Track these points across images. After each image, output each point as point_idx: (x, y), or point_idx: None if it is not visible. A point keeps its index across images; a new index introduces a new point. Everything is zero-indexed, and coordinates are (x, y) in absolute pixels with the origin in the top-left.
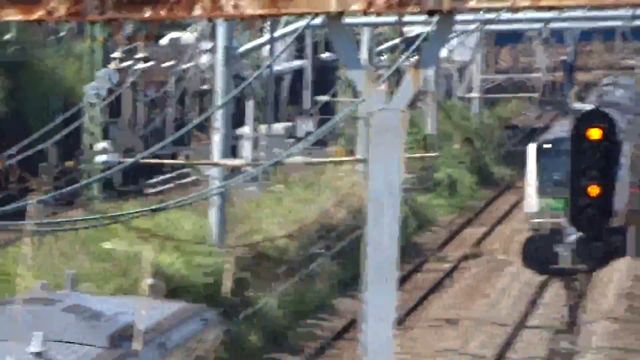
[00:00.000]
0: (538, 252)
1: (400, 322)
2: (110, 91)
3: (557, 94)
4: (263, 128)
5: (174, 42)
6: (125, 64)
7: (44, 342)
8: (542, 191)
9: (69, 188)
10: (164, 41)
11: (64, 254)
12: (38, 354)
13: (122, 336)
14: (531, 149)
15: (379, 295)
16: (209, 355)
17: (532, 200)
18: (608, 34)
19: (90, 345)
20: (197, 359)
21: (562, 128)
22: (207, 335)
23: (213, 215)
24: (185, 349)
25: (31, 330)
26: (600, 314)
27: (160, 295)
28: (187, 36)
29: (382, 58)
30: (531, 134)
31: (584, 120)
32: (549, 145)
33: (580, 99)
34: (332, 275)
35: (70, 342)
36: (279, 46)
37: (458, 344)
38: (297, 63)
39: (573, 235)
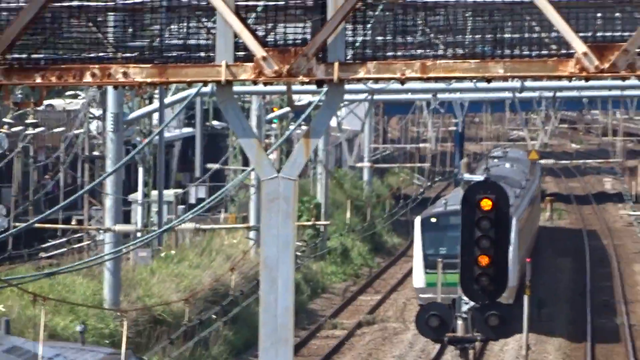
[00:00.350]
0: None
1: None
2: (0, 156)
3: (447, 164)
4: (154, 194)
5: (63, 108)
6: (15, 129)
7: None
8: (428, 265)
9: None
10: (57, 106)
11: None
12: None
13: None
14: (417, 222)
15: None
16: None
17: (419, 274)
18: (497, 106)
19: None
20: None
21: (452, 200)
22: None
23: (107, 279)
24: None
25: None
26: None
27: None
28: (75, 102)
29: (272, 126)
30: (422, 204)
31: (475, 191)
32: (434, 220)
33: (471, 170)
34: (227, 340)
35: None
36: (169, 113)
37: None
38: (187, 130)
39: (467, 305)
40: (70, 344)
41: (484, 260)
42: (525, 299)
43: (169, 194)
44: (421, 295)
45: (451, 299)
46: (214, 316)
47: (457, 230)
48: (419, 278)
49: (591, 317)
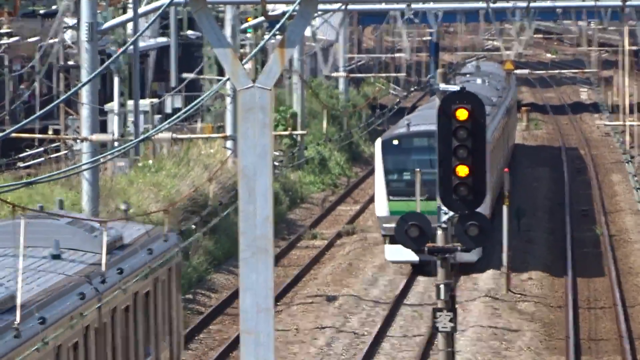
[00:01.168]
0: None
1: (278, 298)
2: None
3: (422, 75)
4: (130, 104)
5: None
6: None
7: (58, 248)
8: (391, 192)
9: None
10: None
11: None
12: (56, 256)
13: (114, 245)
14: (377, 145)
15: (256, 271)
16: (177, 267)
17: (381, 202)
18: (471, 16)
19: (91, 252)
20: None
21: (416, 120)
22: (172, 250)
23: (85, 189)
24: (162, 257)
25: (48, 238)
26: (477, 292)
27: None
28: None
29: (246, 36)
30: (399, 113)
31: (451, 101)
32: (397, 142)
33: (446, 80)
34: (207, 251)
35: (75, 249)
36: (144, 23)
37: (339, 321)
38: (161, 40)
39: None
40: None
41: (462, 170)
42: (505, 209)
43: (145, 103)
44: (385, 225)
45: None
46: (193, 226)
47: (422, 153)
48: (381, 206)
49: (571, 227)
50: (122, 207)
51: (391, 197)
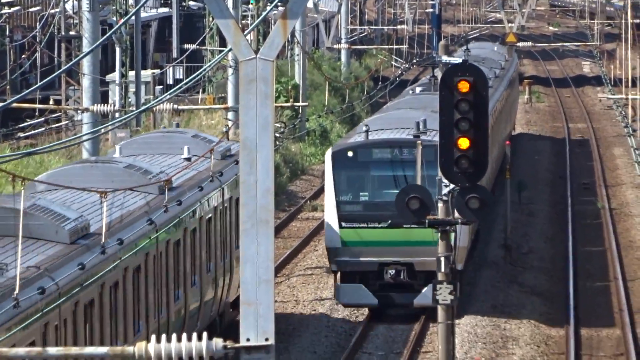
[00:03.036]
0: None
1: (278, 270)
2: None
3: (425, 47)
4: (131, 75)
5: None
6: None
7: (190, 153)
8: (345, 218)
9: None
10: None
11: None
12: (187, 159)
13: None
14: (327, 157)
15: (256, 242)
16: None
17: (332, 231)
18: None
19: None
20: None
21: (376, 124)
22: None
23: None
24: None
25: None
26: (478, 264)
27: None
28: None
29: (248, 7)
30: (401, 85)
31: (453, 73)
32: (351, 154)
33: (448, 52)
34: None
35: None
36: None
37: None
38: (163, 10)
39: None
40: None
41: (463, 142)
42: (508, 182)
43: (146, 74)
44: (336, 259)
45: (377, 263)
46: None
47: (383, 168)
48: (332, 235)
49: (572, 200)
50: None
51: (344, 224)
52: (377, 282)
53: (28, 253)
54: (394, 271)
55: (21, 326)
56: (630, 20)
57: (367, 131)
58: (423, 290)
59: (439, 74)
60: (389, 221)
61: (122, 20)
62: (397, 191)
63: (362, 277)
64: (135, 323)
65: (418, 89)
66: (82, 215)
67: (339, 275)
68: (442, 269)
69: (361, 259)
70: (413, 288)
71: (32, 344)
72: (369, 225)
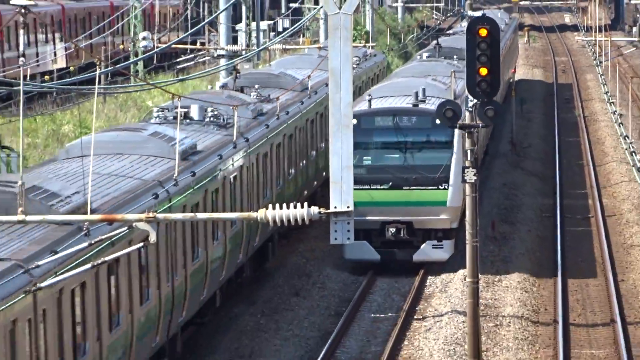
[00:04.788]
0: (449, 112)
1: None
2: None
3: (456, 4)
4: (253, 24)
5: None
6: None
7: None
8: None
9: (124, 64)
10: None
11: (120, 107)
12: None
13: None
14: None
15: (340, 140)
16: None
17: None
18: None
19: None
20: None
21: (381, 91)
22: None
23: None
24: None
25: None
26: (496, 153)
27: None
28: None
29: None
30: (440, 31)
31: (475, 23)
32: (355, 122)
33: (473, 8)
34: None
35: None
36: None
37: None
38: None
39: (472, 102)
40: None
41: (483, 70)
42: (513, 100)
43: (263, 24)
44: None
45: (379, 222)
46: None
47: (385, 134)
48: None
49: (557, 110)
50: None
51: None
52: (379, 239)
53: (153, 165)
54: (394, 229)
55: (179, 198)
56: None
57: (369, 100)
58: (421, 247)
59: (414, 64)
60: (390, 183)
61: None
62: (398, 156)
63: (366, 235)
64: (264, 192)
65: (425, 55)
66: (187, 137)
67: None
68: (469, 158)
69: (365, 218)
70: (412, 245)
71: (185, 210)
72: (372, 187)
